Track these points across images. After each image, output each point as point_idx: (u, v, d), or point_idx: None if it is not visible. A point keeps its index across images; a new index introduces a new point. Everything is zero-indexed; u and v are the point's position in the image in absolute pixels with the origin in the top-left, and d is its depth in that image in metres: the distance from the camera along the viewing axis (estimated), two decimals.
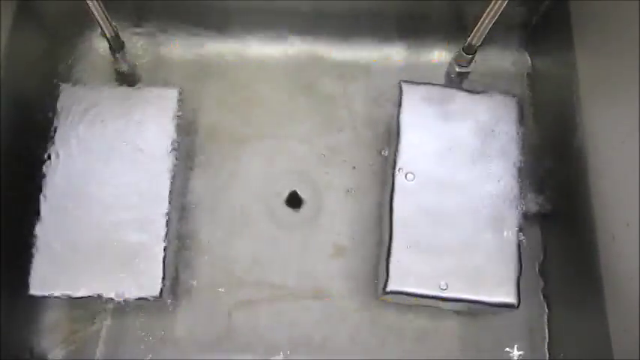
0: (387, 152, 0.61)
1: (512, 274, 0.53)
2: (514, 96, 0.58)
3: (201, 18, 0.67)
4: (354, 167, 0.63)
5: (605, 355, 0.48)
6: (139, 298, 0.52)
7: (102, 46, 0.65)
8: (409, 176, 0.55)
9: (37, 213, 0.53)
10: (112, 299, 0.52)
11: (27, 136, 0.57)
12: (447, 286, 0.52)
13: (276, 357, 0.57)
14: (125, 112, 0.56)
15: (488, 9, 0.52)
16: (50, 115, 0.56)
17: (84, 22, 0.64)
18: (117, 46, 0.59)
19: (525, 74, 0.66)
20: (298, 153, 0.63)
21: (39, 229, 0.53)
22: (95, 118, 0.56)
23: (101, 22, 0.55)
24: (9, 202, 0.54)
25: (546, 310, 0.59)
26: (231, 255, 0.59)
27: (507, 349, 0.58)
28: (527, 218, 0.57)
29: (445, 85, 0.59)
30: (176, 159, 0.56)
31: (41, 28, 0.63)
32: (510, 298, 0.52)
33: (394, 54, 0.67)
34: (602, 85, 0.53)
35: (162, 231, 0.53)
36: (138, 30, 0.66)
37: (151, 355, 0.56)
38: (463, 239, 0.53)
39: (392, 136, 0.58)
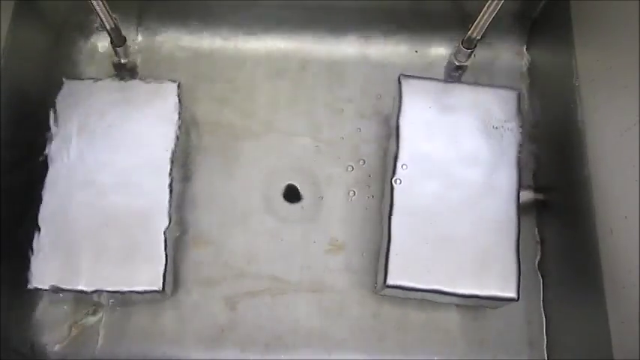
0: (387, 148, 0.61)
1: (512, 267, 0.53)
2: (514, 90, 0.58)
3: (200, 13, 0.67)
4: (354, 162, 0.63)
5: (604, 348, 0.48)
6: (140, 292, 0.52)
7: (103, 40, 0.65)
8: (408, 170, 0.55)
9: (38, 207, 0.53)
10: (112, 293, 0.52)
11: (28, 131, 0.57)
12: (447, 280, 0.53)
13: (276, 350, 0.57)
14: (125, 106, 0.56)
15: (488, 3, 0.52)
16: (51, 109, 0.56)
17: (85, 16, 0.64)
18: (118, 40, 0.59)
19: (525, 68, 0.67)
20: (297, 148, 0.63)
21: (39, 223, 0.53)
22: (95, 112, 0.56)
23: (102, 17, 0.55)
24: (9, 196, 0.55)
25: (545, 303, 0.59)
26: (232, 249, 0.60)
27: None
28: (526, 211, 0.57)
29: (444, 80, 0.59)
30: (176, 153, 0.56)
31: (42, 23, 0.63)
32: (510, 292, 0.52)
33: (394, 49, 0.67)
34: (601, 79, 0.53)
35: (163, 224, 0.54)
36: (138, 25, 0.66)
37: (151, 349, 0.57)
38: (463, 233, 0.54)
39: (392, 130, 0.58)
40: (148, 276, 0.52)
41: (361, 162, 0.63)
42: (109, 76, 0.60)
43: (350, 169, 0.63)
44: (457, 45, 0.60)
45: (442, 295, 0.53)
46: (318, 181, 0.62)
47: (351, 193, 0.62)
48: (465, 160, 0.56)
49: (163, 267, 0.53)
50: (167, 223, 0.54)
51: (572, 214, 0.55)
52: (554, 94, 0.61)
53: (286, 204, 0.61)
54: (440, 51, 0.67)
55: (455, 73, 0.63)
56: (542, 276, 0.60)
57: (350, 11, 0.66)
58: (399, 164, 0.55)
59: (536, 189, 0.59)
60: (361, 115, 0.64)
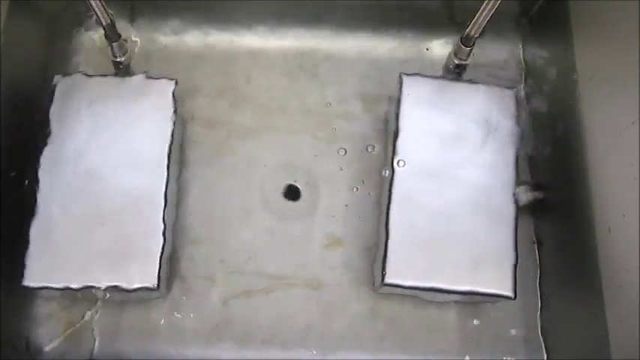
0: (386, 145, 0.61)
1: (508, 265, 0.53)
2: (512, 88, 0.58)
3: (197, 9, 0.66)
4: (352, 159, 0.63)
5: (602, 346, 0.48)
6: (136, 289, 0.52)
7: (98, 36, 0.65)
8: (407, 168, 0.55)
9: (33, 204, 0.53)
10: (108, 290, 0.52)
11: (23, 128, 0.57)
12: (445, 278, 0.52)
13: (273, 347, 0.57)
14: (122, 102, 0.56)
15: (486, 1, 0.52)
16: (46, 105, 0.55)
17: (81, 11, 0.64)
18: (113, 35, 0.59)
19: (523, 66, 0.66)
20: (295, 145, 0.63)
21: (34, 220, 0.52)
22: (91, 108, 0.55)
23: (98, 12, 0.55)
24: (5, 193, 0.54)
25: (543, 302, 0.59)
26: (228, 246, 0.59)
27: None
28: (524, 209, 0.57)
29: (444, 78, 0.59)
30: (172, 149, 0.55)
31: (37, 19, 0.62)
32: (507, 290, 0.52)
33: (393, 46, 0.67)
34: (600, 77, 0.53)
35: (159, 221, 0.53)
36: (133, 21, 0.66)
37: (147, 346, 0.56)
38: (460, 231, 0.54)
39: (391, 128, 0.58)
40: (143, 273, 0.52)
41: (360, 159, 0.63)
42: (105, 73, 0.60)
43: (348, 166, 0.62)
44: (456, 43, 0.60)
45: (440, 293, 0.53)
46: (317, 179, 0.62)
47: (350, 190, 0.61)
48: (463, 158, 0.55)
49: (158, 264, 0.52)
50: (163, 220, 0.53)
51: (571, 212, 0.55)
52: (552, 92, 0.61)
53: (284, 201, 0.61)
54: (440, 49, 0.66)
55: (455, 71, 0.63)
56: (540, 274, 0.60)
57: (349, 8, 0.66)
58: (397, 162, 0.55)
59: (535, 187, 0.59)
60: (360, 113, 0.64)
